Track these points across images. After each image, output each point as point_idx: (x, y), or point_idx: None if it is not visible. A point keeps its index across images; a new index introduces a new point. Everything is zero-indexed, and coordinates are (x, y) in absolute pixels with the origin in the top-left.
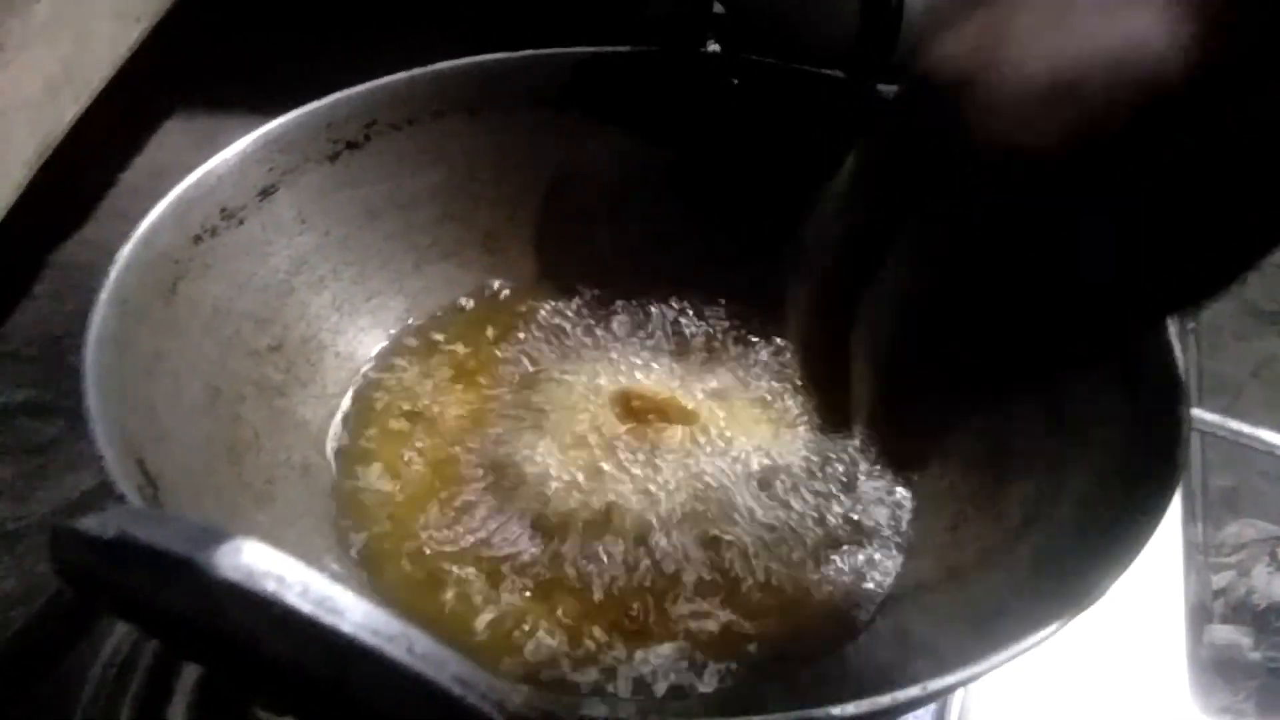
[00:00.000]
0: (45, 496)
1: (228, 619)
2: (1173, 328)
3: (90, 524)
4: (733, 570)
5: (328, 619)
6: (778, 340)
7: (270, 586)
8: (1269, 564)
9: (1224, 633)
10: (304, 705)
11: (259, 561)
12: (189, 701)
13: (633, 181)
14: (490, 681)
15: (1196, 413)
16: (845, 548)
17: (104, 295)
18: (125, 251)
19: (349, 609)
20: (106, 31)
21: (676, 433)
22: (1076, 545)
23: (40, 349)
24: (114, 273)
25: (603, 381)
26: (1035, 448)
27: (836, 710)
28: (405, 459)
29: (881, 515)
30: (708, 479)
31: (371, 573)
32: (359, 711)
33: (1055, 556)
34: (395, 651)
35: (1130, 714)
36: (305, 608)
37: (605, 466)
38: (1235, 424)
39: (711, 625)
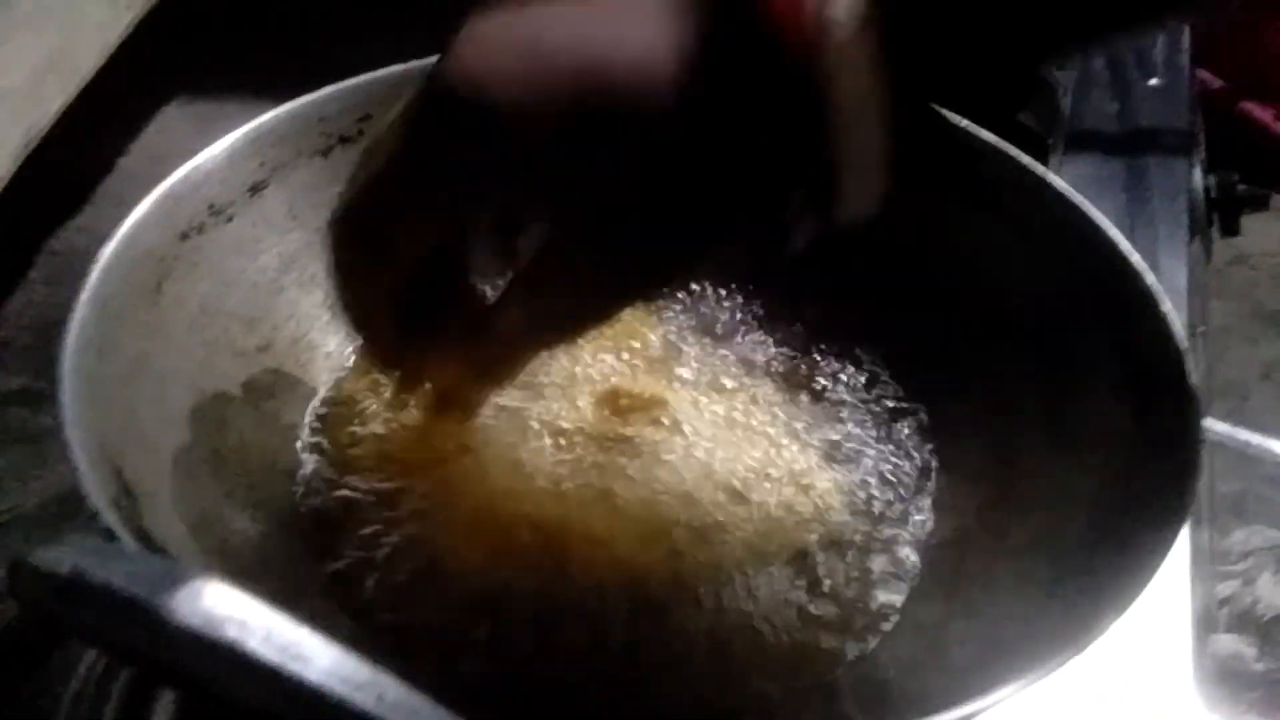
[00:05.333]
0: (37, 487)
1: (186, 666)
2: (1182, 333)
3: (46, 558)
4: (718, 595)
5: (292, 667)
6: (772, 334)
7: (231, 633)
8: (1275, 572)
9: (1227, 643)
10: None
11: (219, 605)
12: (170, 715)
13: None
14: None
15: (1205, 422)
16: (840, 574)
17: (84, 296)
18: (108, 250)
19: (315, 656)
20: (95, 19)
21: (662, 432)
22: (1082, 575)
23: (35, 337)
24: (95, 273)
25: (592, 382)
26: (1042, 466)
27: None
28: (386, 458)
29: (885, 538)
30: (689, 486)
31: (352, 586)
32: None
33: (1061, 585)
34: (364, 700)
35: None
36: (268, 655)
37: (591, 474)
38: (1244, 434)
39: (694, 649)
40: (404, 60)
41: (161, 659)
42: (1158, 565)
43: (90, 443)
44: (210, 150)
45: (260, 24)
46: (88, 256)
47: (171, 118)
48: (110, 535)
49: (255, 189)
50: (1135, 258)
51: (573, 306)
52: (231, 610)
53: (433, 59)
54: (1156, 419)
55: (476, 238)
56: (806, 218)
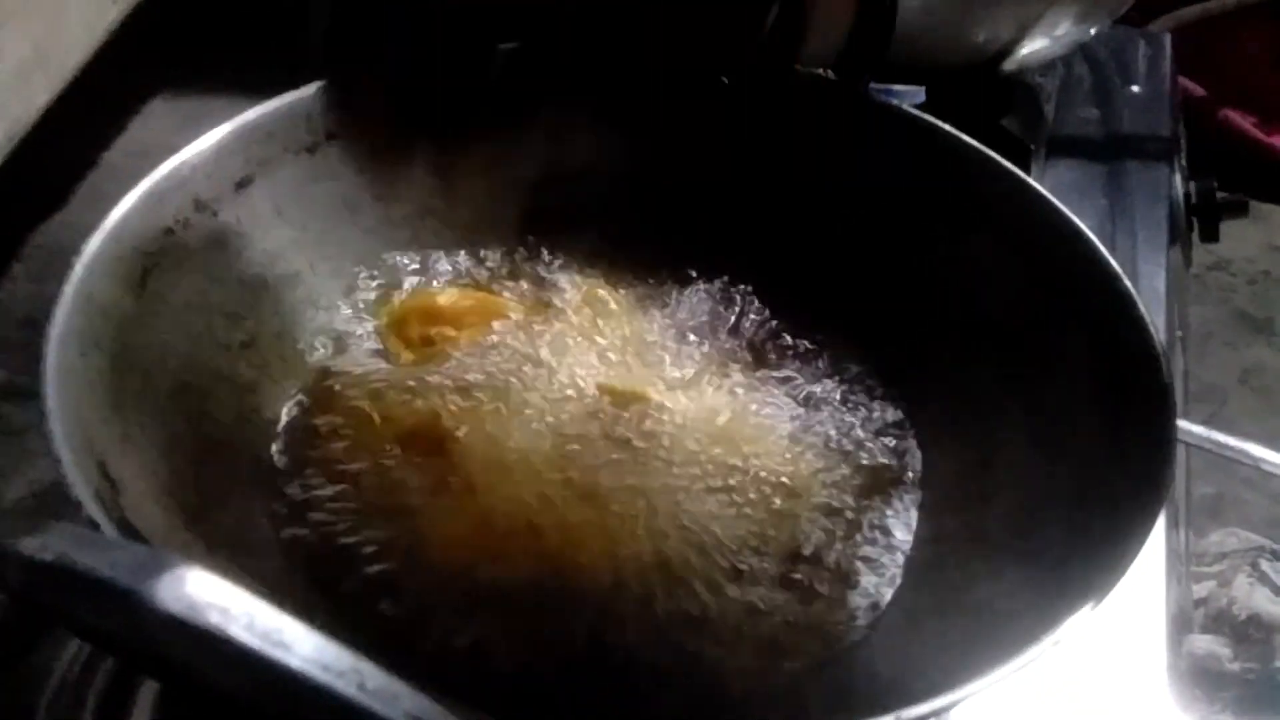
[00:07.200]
0: (22, 481)
1: (169, 652)
2: (1157, 335)
3: (31, 545)
4: (697, 591)
5: (274, 653)
6: (758, 330)
7: (214, 619)
8: (1250, 574)
9: (1204, 643)
10: None
11: (203, 592)
12: (154, 701)
13: (620, 178)
14: (447, 718)
15: (1181, 424)
16: (823, 568)
17: (68, 290)
18: (92, 245)
19: (297, 642)
20: (81, 14)
21: (646, 429)
22: (1057, 571)
23: (19, 332)
24: (79, 267)
25: (577, 378)
26: (1020, 465)
27: None
28: (364, 454)
29: (866, 533)
30: (679, 484)
31: (336, 577)
32: None
33: (1035, 582)
34: (346, 687)
35: None
36: (251, 641)
37: (575, 470)
38: (1222, 438)
39: (684, 646)
40: None
41: (144, 646)
42: (1130, 561)
43: (74, 435)
44: (196, 145)
45: (247, 19)
46: (72, 251)
47: (157, 113)
48: (94, 527)
49: (241, 185)
50: (1112, 261)
51: None
52: (214, 597)
53: None
54: (1132, 419)
55: None
56: (773, 48)
